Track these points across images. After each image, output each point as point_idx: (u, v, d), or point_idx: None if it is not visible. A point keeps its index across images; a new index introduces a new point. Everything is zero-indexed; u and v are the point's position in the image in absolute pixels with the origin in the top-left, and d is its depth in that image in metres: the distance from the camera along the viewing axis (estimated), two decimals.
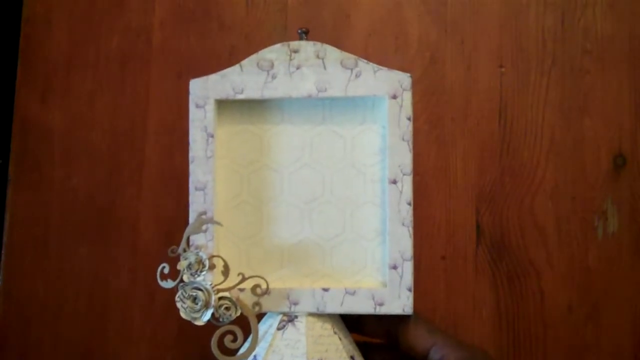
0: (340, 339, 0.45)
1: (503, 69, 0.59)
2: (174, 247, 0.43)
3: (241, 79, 0.45)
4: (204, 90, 0.46)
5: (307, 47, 0.45)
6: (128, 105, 0.60)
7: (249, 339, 0.43)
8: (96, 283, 0.59)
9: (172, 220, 0.58)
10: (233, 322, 0.42)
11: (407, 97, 0.45)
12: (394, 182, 0.45)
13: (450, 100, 0.58)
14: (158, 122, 0.59)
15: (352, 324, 0.47)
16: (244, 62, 0.45)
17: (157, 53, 0.60)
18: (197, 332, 0.58)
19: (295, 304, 0.45)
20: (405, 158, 0.45)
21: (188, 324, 0.58)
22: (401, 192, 0.45)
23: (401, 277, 0.44)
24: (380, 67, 0.45)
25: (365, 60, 0.45)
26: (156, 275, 0.60)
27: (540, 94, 0.58)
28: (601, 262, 0.57)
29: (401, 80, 0.45)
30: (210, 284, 0.42)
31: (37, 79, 0.60)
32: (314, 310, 0.45)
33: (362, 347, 0.47)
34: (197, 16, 0.60)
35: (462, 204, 0.58)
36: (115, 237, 0.59)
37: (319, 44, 0.45)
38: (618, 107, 0.58)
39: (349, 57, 0.45)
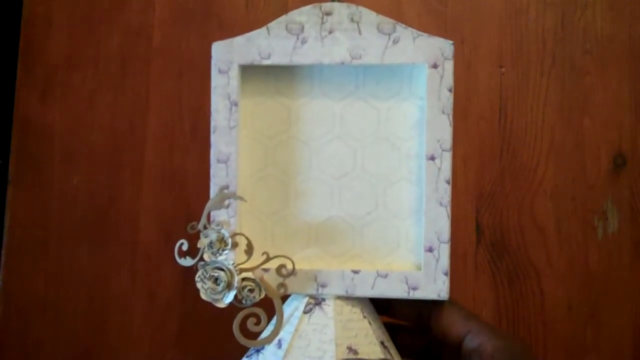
0: (369, 323, 0.42)
1: (503, 69, 0.58)
2: (193, 223, 0.40)
3: (268, 42, 0.42)
4: (227, 55, 0.42)
5: (341, 10, 0.42)
6: (128, 105, 0.60)
7: (273, 322, 0.41)
8: (96, 283, 0.59)
9: (172, 220, 0.58)
10: (257, 304, 0.40)
11: (448, 67, 0.41)
12: (432, 158, 0.41)
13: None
14: (158, 122, 0.59)
15: (381, 306, 0.44)
16: (272, 24, 0.42)
17: (157, 53, 0.60)
18: (197, 332, 0.58)
19: (323, 286, 0.41)
20: (445, 132, 0.41)
21: (188, 323, 0.59)
22: (439, 168, 0.41)
23: (437, 260, 0.41)
24: (420, 32, 0.41)
25: (404, 25, 0.41)
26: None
27: (540, 94, 0.58)
28: (601, 262, 0.57)
29: (442, 47, 0.41)
30: (233, 264, 0.39)
31: (37, 79, 0.60)
32: (342, 293, 0.41)
33: (390, 328, 0.45)
34: (197, 16, 0.60)
35: (462, 204, 0.58)
36: (115, 237, 0.59)
37: (353, 6, 0.42)
38: (618, 107, 0.58)
39: (387, 22, 0.41)
